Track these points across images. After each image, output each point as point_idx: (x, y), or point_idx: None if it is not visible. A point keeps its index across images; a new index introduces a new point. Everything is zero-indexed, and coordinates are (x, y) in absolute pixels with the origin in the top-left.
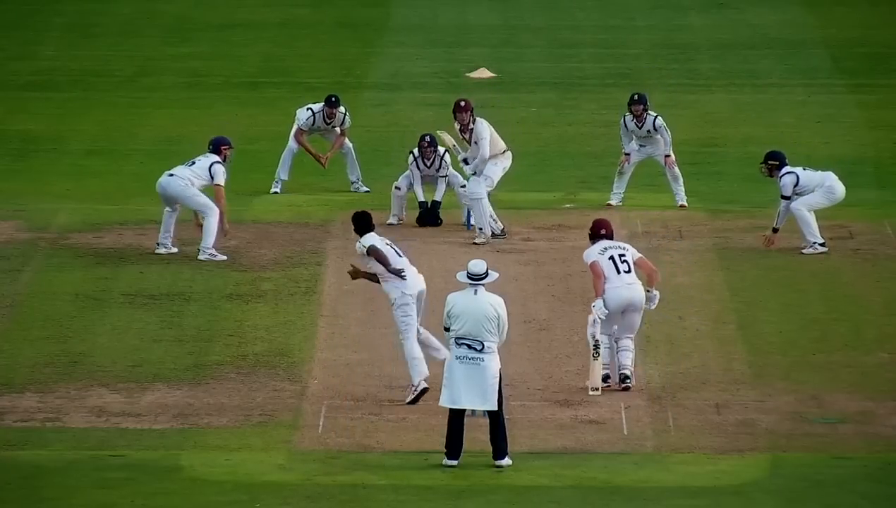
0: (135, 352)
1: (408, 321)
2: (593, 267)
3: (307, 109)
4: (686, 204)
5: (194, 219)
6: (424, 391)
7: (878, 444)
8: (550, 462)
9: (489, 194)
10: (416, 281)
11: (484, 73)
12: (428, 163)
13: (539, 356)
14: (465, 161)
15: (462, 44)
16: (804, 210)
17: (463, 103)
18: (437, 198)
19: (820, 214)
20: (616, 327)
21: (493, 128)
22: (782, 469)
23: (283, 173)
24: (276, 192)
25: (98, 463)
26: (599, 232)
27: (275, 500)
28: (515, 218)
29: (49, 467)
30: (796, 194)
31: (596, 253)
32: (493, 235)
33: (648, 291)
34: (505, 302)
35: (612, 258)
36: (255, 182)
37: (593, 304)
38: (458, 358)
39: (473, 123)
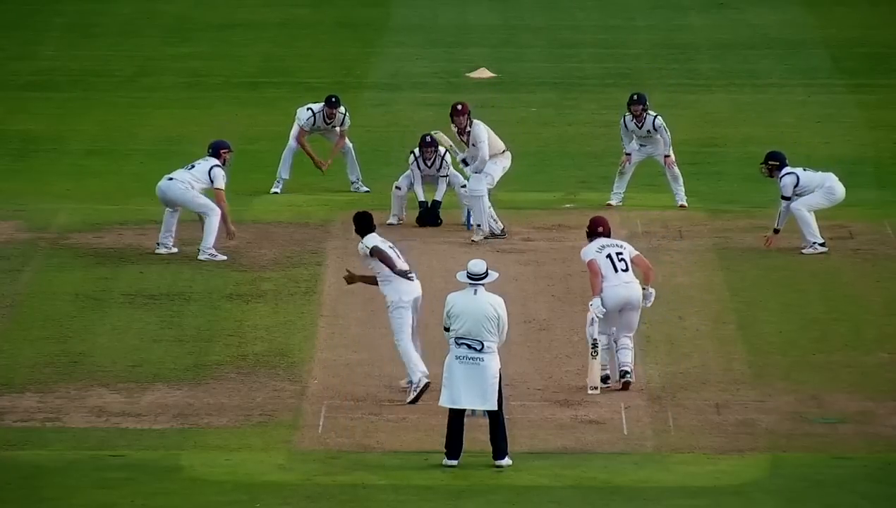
0: (135, 352)
1: (401, 323)
2: (591, 265)
3: (307, 109)
4: (686, 204)
5: (200, 220)
6: (426, 387)
7: (878, 444)
8: (550, 462)
9: (489, 193)
10: (413, 286)
11: (484, 73)
12: (428, 163)
13: (539, 356)
14: (465, 162)
15: (462, 44)
16: (804, 210)
17: (459, 106)
18: (438, 197)
19: (820, 214)
20: (614, 327)
21: (490, 130)
22: (782, 469)
23: (284, 172)
24: (276, 192)
25: (98, 463)
26: (597, 229)
27: (275, 500)
28: (515, 218)
29: (49, 467)
30: (796, 195)
31: (593, 251)
32: (494, 235)
33: (644, 289)
34: (505, 302)
35: (609, 256)
36: (255, 182)
37: (591, 303)
38: (457, 357)
39: (470, 126)
